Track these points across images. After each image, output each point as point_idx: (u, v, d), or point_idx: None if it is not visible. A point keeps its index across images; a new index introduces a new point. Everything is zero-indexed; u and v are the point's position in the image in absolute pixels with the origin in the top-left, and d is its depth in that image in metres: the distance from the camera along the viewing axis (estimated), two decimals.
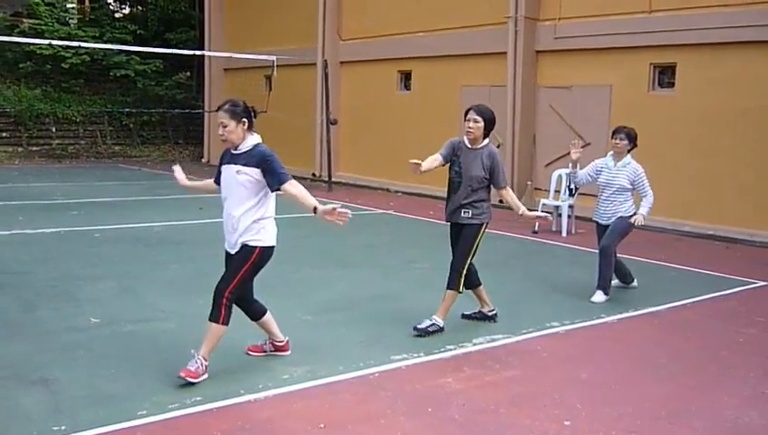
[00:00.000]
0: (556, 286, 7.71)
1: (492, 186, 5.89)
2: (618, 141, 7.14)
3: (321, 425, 4.07)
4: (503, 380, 4.94)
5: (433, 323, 5.81)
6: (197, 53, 21.08)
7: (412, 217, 12.95)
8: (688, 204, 12.03)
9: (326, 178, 17.63)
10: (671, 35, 12.33)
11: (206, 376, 4.63)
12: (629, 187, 7.13)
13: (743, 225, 11.45)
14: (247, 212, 4.68)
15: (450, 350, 5.48)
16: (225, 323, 4.65)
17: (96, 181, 17.43)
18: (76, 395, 4.37)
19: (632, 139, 7.15)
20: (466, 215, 5.82)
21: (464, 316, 6.27)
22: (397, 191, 16.55)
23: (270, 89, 18.54)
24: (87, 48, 21.20)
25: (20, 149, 22.74)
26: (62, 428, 3.90)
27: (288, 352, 5.22)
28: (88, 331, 5.65)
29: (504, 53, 14.67)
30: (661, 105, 12.68)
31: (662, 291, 7.69)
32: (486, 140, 5.86)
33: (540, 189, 14.12)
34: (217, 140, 25.96)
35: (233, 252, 4.76)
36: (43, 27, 23.40)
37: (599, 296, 7.09)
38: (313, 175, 19.54)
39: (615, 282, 7.51)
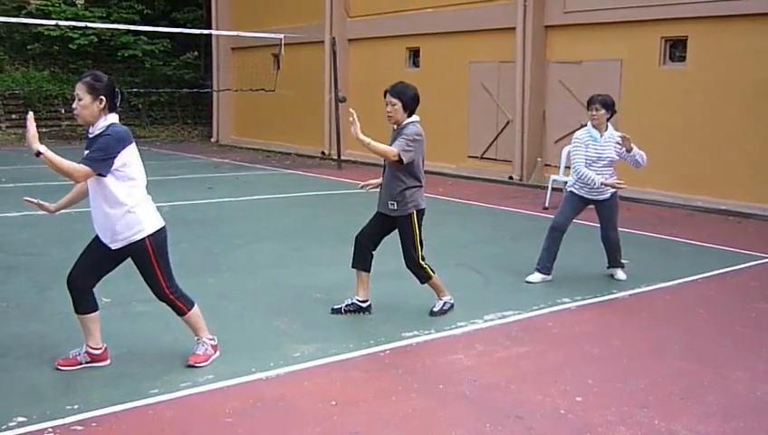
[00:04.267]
0: (566, 262, 7.67)
1: None
2: (594, 112, 6.64)
3: (333, 402, 4.08)
4: (514, 356, 4.93)
5: (445, 302, 5.81)
6: (205, 32, 20.99)
7: None
8: (700, 179, 11.93)
9: (335, 157, 17.59)
10: (682, 8, 12.16)
11: (217, 354, 4.64)
12: (617, 158, 6.72)
13: (755, 199, 11.36)
14: (116, 205, 4.22)
15: (461, 326, 5.48)
16: (191, 306, 4.60)
17: None
18: (88, 374, 4.40)
19: (609, 106, 6.67)
20: (392, 207, 5.62)
21: (333, 311, 5.71)
22: None
23: (278, 67, 18.44)
24: (94, 29, 21.15)
25: None
26: (75, 406, 3.92)
27: (107, 362, 4.53)
28: (99, 311, 5.66)
29: (513, 28, 14.52)
30: (672, 79, 12.55)
31: (674, 266, 7.65)
32: (411, 118, 5.52)
33: (549, 165, 14.02)
34: (227, 120, 25.76)
35: (114, 247, 4.33)
36: (50, 8, 23.33)
37: (622, 275, 7.06)
38: (323, 153, 19.49)
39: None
